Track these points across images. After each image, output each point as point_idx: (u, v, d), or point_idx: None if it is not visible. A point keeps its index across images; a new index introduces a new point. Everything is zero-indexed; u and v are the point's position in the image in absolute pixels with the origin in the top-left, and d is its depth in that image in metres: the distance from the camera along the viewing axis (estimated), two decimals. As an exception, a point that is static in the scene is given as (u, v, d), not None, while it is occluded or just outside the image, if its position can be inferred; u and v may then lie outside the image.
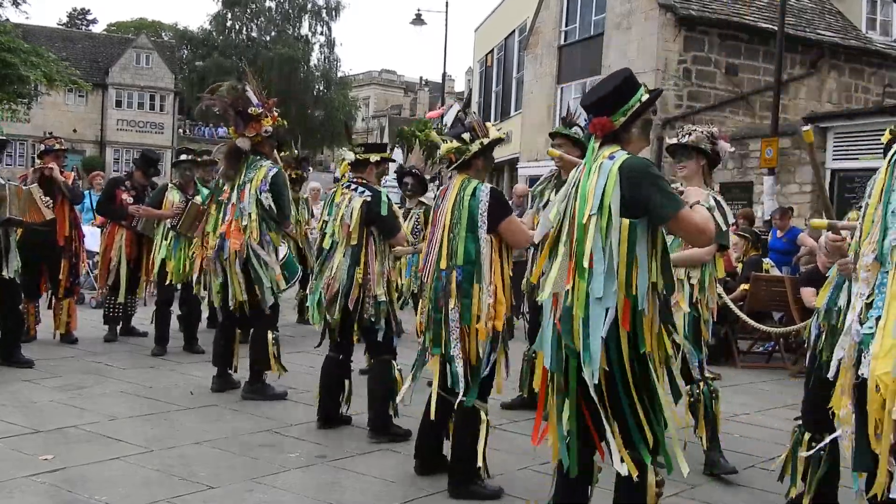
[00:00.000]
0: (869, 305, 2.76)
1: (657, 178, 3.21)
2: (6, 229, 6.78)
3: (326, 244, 5.36)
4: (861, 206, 2.96)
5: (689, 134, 4.97)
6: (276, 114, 6.14)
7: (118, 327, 8.58)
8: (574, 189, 3.33)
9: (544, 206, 5.78)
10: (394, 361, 5.24)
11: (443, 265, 4.32)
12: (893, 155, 2.80)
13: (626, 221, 3.15)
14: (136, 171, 8.70)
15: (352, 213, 5.23)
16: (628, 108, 3.30)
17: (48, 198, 7.29)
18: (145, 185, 8.55)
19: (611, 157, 3.23)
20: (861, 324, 2.77)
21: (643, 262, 3.18)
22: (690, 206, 3.31)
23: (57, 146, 8.20)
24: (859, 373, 2.71)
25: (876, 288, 2.75)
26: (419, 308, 4.69)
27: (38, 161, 8.20)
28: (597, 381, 3.15)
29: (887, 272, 2.72)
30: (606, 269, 3.14)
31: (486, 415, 4.35)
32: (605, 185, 3.17)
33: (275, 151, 6.49)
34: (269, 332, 6.15)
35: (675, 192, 3.31)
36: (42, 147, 8.26)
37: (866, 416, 2.70)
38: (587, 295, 3.16)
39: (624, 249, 3.15)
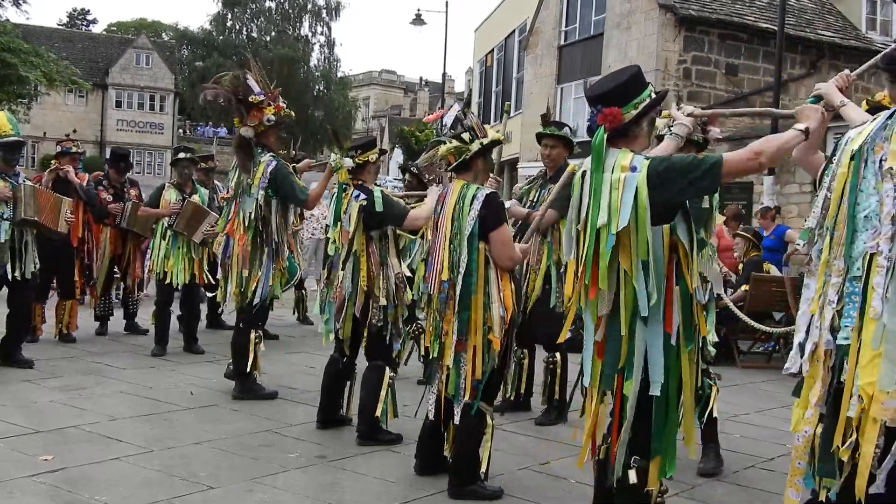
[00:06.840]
0: (839, 313, 2.74)
1: (684, 166, 3.05)
2: (21, 230, 6.77)
3: (331, 251, 5.30)
4: (821, 196, 2.89)
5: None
6: (281, 104, 5.99)
7: (112, 322, 8.70)
8: (590, 199, 3.15)
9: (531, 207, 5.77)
10: (387, 369, 5.14)
11: (444, 276, 4.24)
12: (857, 150, 2.76)
13: (666, 228, 3.08)
14: (109, 169, 8.78)
15: (350, 219, 5.14)
16: (640, 101, 3.19)
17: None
18: (122, 181, 8.62)
19: (633, 169, 3.05)
20: (833, 333, 2.75)
21: (678, 263, 3.13)
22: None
23: (74, 149, 8.32)
24: (842, 378, 2.71)
25: (846, 297, 2.71)
26: (425, 317, 4.57)
27: (52, 162, 8.30)
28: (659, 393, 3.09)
29: (855, 278, 2.70)
30: (653, 280, 3.05)
31: (492, 419, 4.33)
32: (636, 198, 3.01)
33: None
34: (251, 331, 6.08)
35: (704, 157, 3.14)
36: (59, 148, 8.34)
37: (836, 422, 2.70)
38: (633, 311, 3.08)
39: (665, 256, 3.09)
